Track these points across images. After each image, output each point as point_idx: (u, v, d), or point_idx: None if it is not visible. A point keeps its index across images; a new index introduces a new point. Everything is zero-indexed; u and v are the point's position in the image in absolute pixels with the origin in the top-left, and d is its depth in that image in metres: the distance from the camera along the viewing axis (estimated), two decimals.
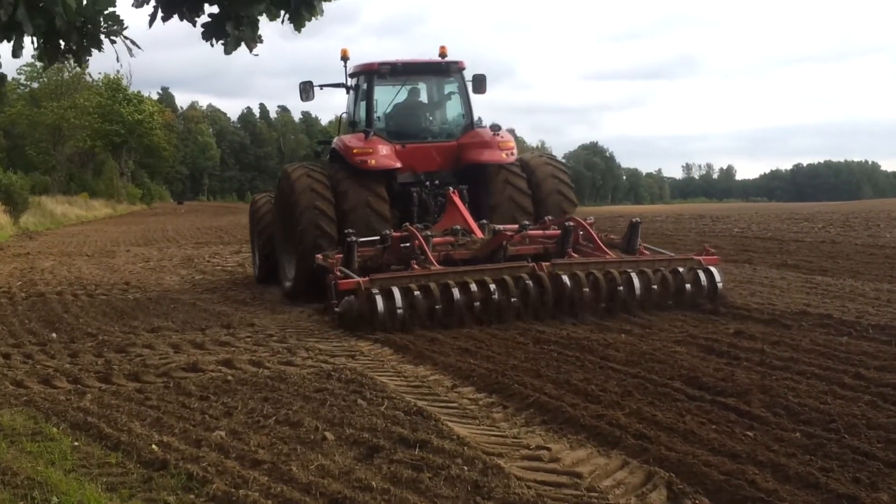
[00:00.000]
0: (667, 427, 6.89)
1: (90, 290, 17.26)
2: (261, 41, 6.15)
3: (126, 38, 6.08)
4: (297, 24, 6.15)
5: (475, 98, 17.00)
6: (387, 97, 17.24)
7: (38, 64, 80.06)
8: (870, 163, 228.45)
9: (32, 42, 5.93)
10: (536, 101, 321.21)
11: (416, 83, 17.61)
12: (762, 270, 17.92)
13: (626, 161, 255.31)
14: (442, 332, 11.29)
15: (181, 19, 5.96)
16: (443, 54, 17.27)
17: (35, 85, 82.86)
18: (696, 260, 13.18)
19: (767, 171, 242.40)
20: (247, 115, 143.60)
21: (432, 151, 16.50)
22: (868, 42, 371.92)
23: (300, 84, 17.92)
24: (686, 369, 8.71)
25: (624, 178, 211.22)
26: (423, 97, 17.82)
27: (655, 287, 12.43)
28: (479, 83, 17.39)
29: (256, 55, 6.23)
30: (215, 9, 5.98)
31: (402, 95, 17.36)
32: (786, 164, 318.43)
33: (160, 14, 5.95)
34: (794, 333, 10.51)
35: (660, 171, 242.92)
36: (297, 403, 7.93)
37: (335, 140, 16.99)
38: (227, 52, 6.10)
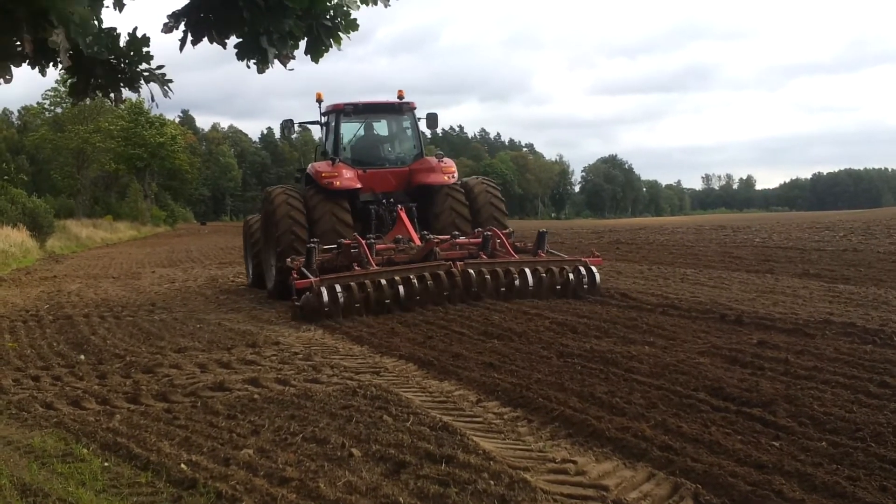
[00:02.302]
0: (692, 438, 6.89)
1: (117, 311, 17.39)
2: (293, 57, 6.20)
3: (165, 77, 6.13)
4: (315, 53, 6.21)
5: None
6: (352, 131, 21.03)
7: (62, 89, 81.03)
8: (889, 170, 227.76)
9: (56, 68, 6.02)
10: (551, 116, 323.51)
11: (375, 120, 21.42)
12: (784, 280, 17.88)
13: (644, 173, 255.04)
14: (466, 347, 11.33)
15: (211, 42, 6.01)
16: (400, 97, 20.88)
17: (59, 110, 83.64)
18: (583, 261, 16.64)
19: (787, 180, 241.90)
20: (267, 136, 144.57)
21: (389, 175, 20.22)
22: (878, 51, 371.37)
23: (282, 122, 22.07)
24: (710, 380, 8.70)
25: (644, 190, 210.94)
26: (381, 131, 21.54)
27: (544, 279, 15.84)
28: (432, 120, 21.22)
29: (291, 69, 6.29)
30: (243, 29, 6.03)
31: (364, 130, 21.23)
32: (805, 174, 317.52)
33: (190, 38, 6.01)
34: (818, 342, 10.49)
35: (679, 182, 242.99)
36: (324, 421, 7.96)
37: (309, 166, 20.40)
38: (261, 70, 6.15)
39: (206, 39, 6.05)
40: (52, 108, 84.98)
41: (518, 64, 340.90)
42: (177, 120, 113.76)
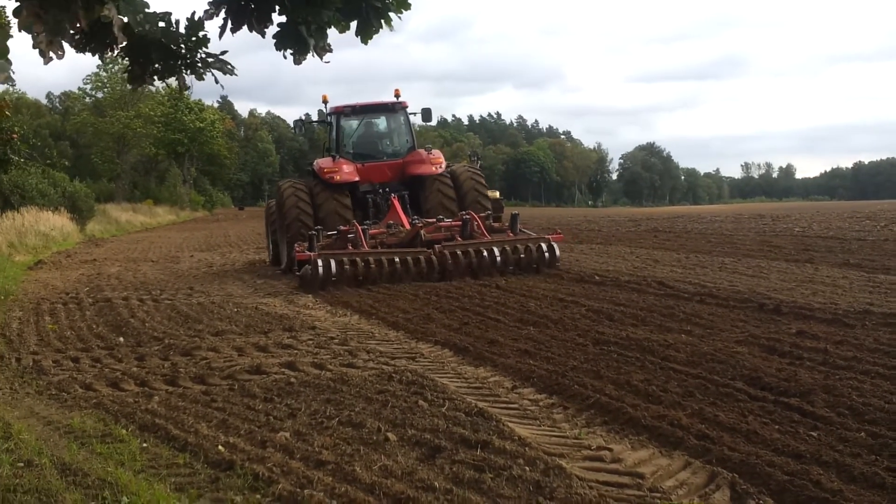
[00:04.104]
0: (729, 427, 6.85)
1: (155, 294, 17.56)
2: (330, 50, 6.18)
3: (225, 62, 6.14)
4: (365, 35, 6.18)
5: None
6: (352, 129, 23.94)
7: (103, 74, 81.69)
8: None
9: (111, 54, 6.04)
10: (587, 104, 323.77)
11: (372, 118, 24.42)
12: (824, 269, 17.68)
13: (683, 161, 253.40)
14: (501, 333, 11.33)
15: (250, 30, 6.01)
16: (397, 95, 23.63)
17: (100, 95, 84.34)
18: (546, 238, 19.12)
19: (828, 169, 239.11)
20: (305, 122, 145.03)
21: (385, 168, 22.99)
22: None
23: (294, 121, 26.62)
24: (748, 369, 8.64)
25: (682, 178, 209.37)
26: (378, 128, 24.52)
27: (510, 256, 18.32)
28: (427, 114, 24.36)
29: (328, 62, 6.28)
30: (283, 18, 6.02)
31: (363, 128, 24.18)
32: (846, 162, 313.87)
33: (230, 25, 6.01)
34: (858, 333, 10.38)
35: (718, 170, 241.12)
36: (360, 405, 8.00)
37: (315, 162, 23.34)
38: (297, 61, 6.14)
39: (245, 27, 6.05)
40: (94, 92, 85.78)
41: (553, 52, 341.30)
42: (216, 105, 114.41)
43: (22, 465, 6.44)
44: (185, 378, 9.62)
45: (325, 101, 24.04)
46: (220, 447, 6.81)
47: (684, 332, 10.91)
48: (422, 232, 18.84)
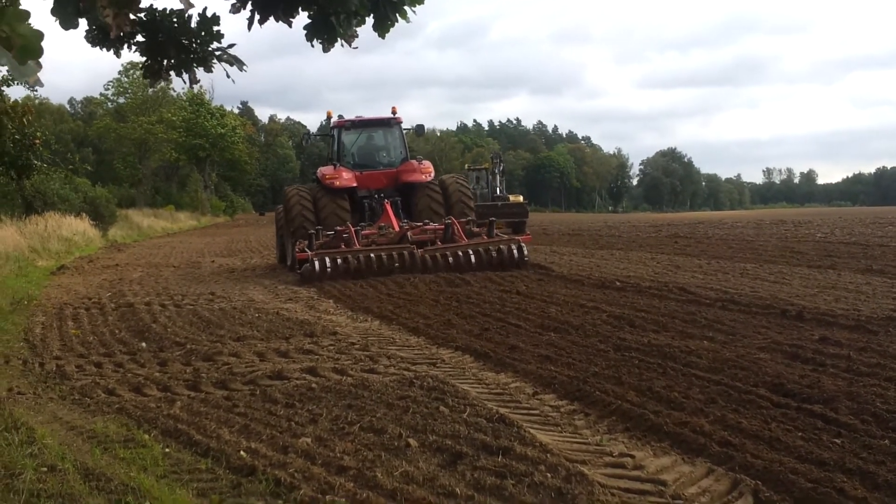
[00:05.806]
0: (752, 434, 6.81)
1: (177, 300, 17.60)
2: (357, 35, 6.22)
3: (234, 56, 6.17)
4: (382, 29, 6.21)
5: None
6: (352, 141, 26.74)
7: (125, 80, 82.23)
8: None
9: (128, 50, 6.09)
10: (604, 109, 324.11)
11: (370, 132, 27.15)
12: (846, 276, 17.58)
13: (704, 167, 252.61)
14: (522, 339, 11.31)
15: (277, 20, 6.04)
16: (393, 112, 26.54)
17: (122, 100, 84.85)
18: (516, 240, 21.87)
19: (850, 175, 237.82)
20: (325, 127, 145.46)
21: (380, 176, 25.72)
22: None
23: (303, 134, 30.81)
24: (771, 376, 8.59)
25: (703, 183, 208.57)
26: (375, 141, 27.18)
27: (483, 257, 20.71)
28: (420, 129, 27.77)
29: (356, 48, 6.32)
30: (309, 10, 6.06)
31: (362, 140, 26.93)
32: (867, 168, 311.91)
33: (257, 17, 6.04)
34: (882, 339, 10.31)
35: (739, 176, 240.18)
36: (381, 410, 7.99)
37: (318, 170, 25.92)
38: (326, 49, 6.19)
39: (272, 19, 6.08)
40: (115, 98, 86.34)
41: (568, 58, 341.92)
42: (236, 111, 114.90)
43: (45, 469, 6.46)
44: (206, 383, 9.63)
45: (328, 117, 27.86)
46: (241, 453, 6.81)
47: (706, 338, 10.86)
48: (409, 233, 21.15)
